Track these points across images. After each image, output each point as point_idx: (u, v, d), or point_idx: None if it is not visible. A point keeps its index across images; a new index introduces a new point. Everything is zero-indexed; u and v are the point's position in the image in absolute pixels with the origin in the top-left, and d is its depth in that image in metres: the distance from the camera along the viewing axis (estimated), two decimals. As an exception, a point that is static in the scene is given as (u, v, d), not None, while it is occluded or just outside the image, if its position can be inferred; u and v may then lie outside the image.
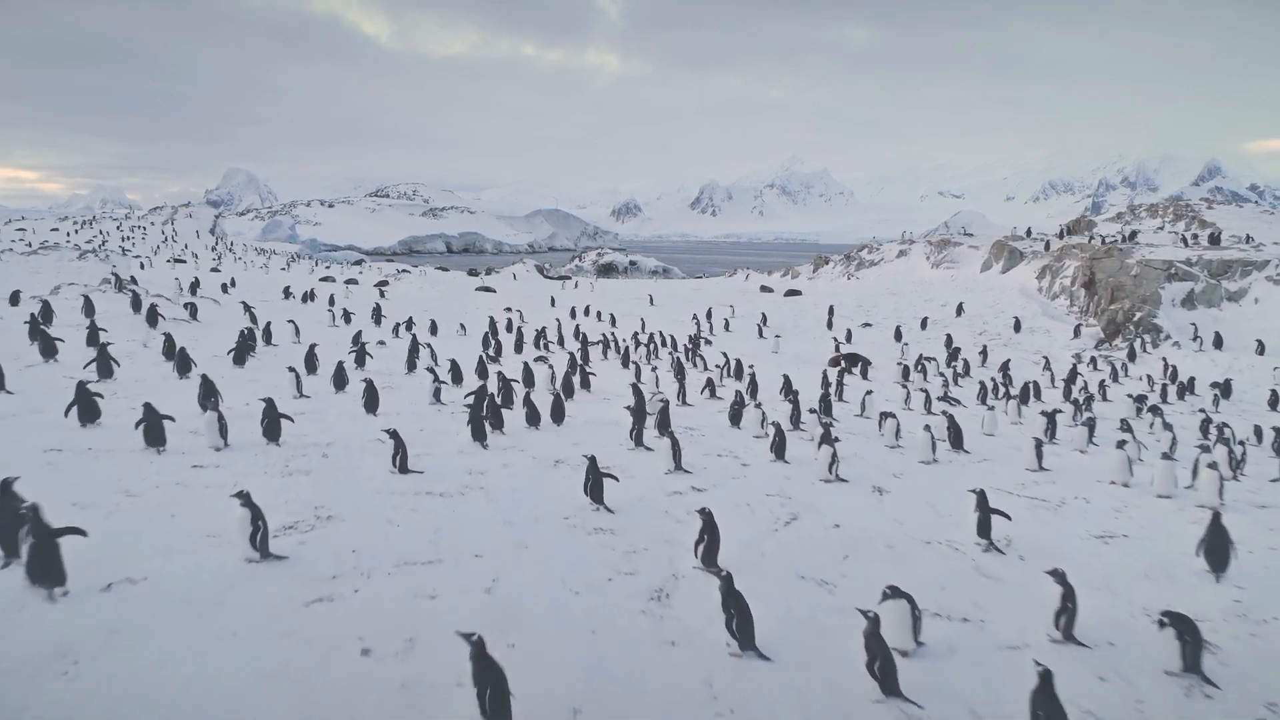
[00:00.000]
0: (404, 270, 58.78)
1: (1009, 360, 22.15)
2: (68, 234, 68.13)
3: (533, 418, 12.30)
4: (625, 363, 19.31)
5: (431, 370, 13.86)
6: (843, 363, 20.96)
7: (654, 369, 16.84)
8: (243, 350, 15.29)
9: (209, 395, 11.00)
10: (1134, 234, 32.72)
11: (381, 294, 33.70)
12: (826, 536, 8.32)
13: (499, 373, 14.68)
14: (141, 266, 46.07)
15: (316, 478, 8.75)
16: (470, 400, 12.23)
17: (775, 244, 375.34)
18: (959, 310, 29.45)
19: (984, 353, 23.62)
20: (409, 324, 23.42)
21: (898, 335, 25.42)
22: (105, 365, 12.76)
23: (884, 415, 13.32)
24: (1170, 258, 26.89)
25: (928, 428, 11.90)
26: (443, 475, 9.35)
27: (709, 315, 28.96)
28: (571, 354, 19.06)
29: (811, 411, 13.13)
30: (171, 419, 9.47)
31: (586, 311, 29.87)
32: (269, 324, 18.74)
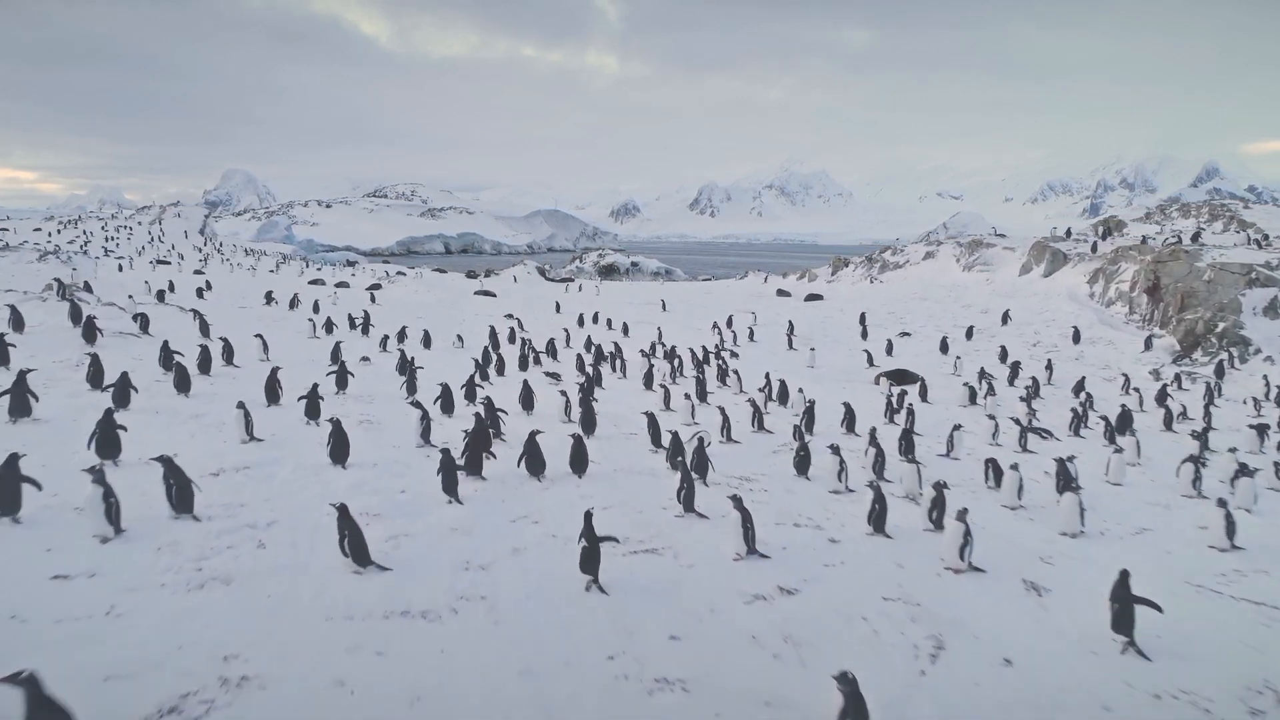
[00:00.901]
0: (400, 273, 56.02)
1: (1084, 378, 19.42)
2: (49, 234, 65.22)
3: (535, 464, 9.57)
4: (648, 384, 16.54)
5: (417, 404, 11.12)
6: (893, 382, 18.26)
7: (687, 396, 14.06)
8: (183, 377, 12.40)
9: (106, 449, 8.18)
10: (1197, 235, 30.02)
11: (372, 299, 30.92)
12: (1000, 684, 5.57)
13: (485, 402, 11.86)
14: (120, 269, 43.38)
15: (239, 592, 5.92)
16: (468, 442, 9.49)
17: (774, 245, 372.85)
18: (1005, 318, 26.75)
19: (1049, 368, 20.88)
20: (401, 335, 20.63)
21: (944, 347, 22.70)
22: (20, 401, 9.95)
23: (990, 463, 10.62)
24: (1247, 260, 24.21)
25: (1075, 486, 9.13)
26: (426, 572, 6.58)
27: (730, 323, 26.25)
28: (587, 375, 16.29)
29: (910, 461, 10.29)
30: (36, 484, 6.73)
31: (595, 319, 27.14)
32: (226, 341, 15.70)
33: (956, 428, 12.48)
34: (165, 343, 14.28)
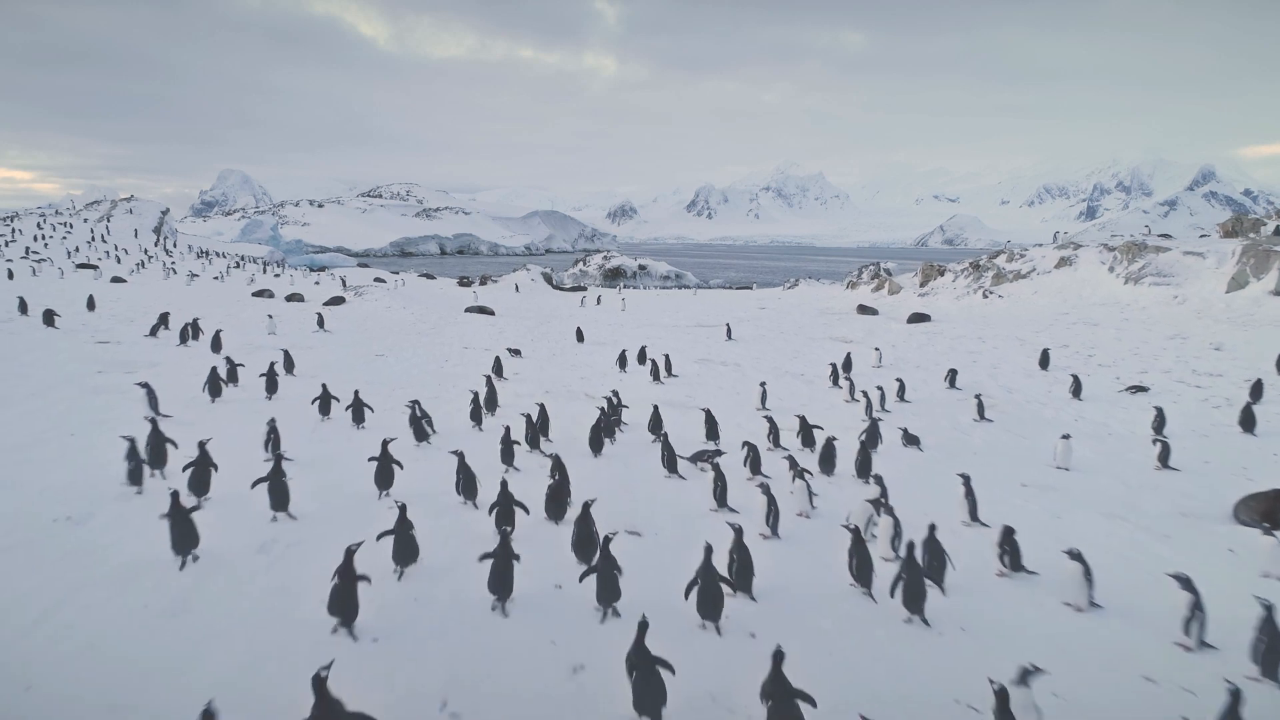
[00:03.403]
0: (378, 279, 47.02)
1: None
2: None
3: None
4: (861, 574, 7.44)
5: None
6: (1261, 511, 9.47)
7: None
8: None
9: None
10: None
11: (320, 323, 21.97)
12: None
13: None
14: (34, 272, 34.62)
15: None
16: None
17: (771, 247, 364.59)
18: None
19: None
20: (323, 404, 11.73)
21: (1249, 421, 13.25)
22: None
23: None
24: None
25: None
26: None
27: (848, 365, 17.43)
28: (736, 535, 7.02)
29: None
30: None
31: (642, 358, 18.21)
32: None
33: None
34: None
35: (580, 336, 21.71)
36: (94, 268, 40.52)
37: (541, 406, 11.49)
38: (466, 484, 8.17)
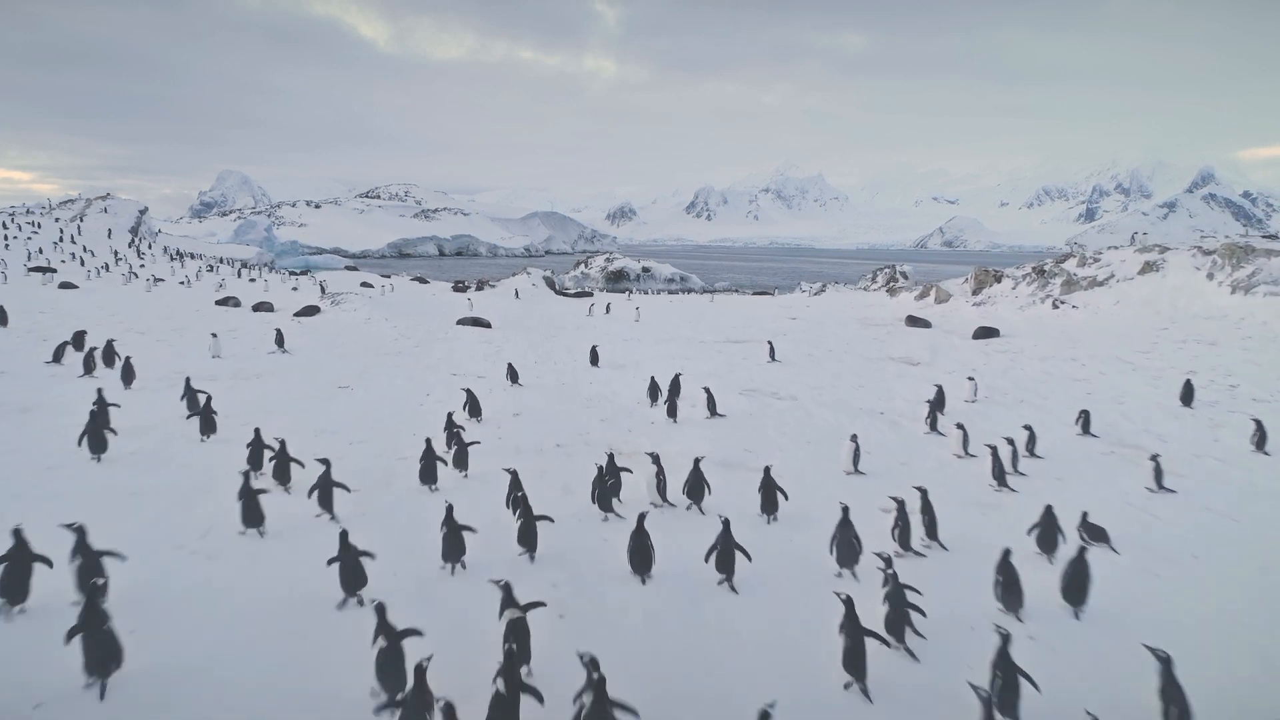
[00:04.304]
0: (364, 284, 43.22)
1: None
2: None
3: None
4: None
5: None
6: None
7: None
8: None
9: None
10: None
11: (279, 342, 18.11)
12: None
13: None
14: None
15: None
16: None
17: (770, 249, 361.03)
18: None
19: None
20: (253, 454, 8.15)
21: None
22: None
23: None
24: None
25: None
26: None
27: (941, 401, 13.62)
28: None
29: None
30: None
31: (677, 388, 14.38)
32: None
33: None
34: None
35: (595, 359, 17.89)
36: (51, 271, 36.70)
37: (513, 480, 7.86)
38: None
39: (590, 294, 44.24)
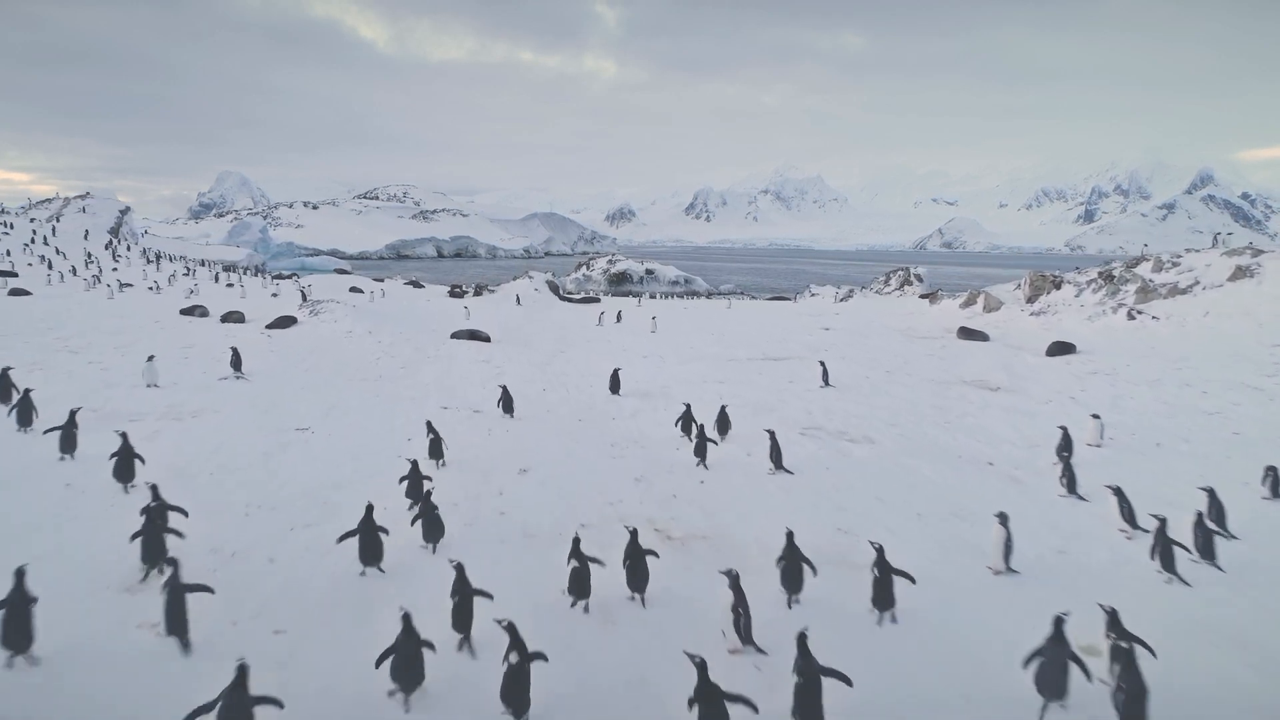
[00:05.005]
0: (353, 289, 40.17)
1: None
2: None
3: None
4: None
5: None
6: None
7: None
8: None
9: None
10: None
11: (235, 363, 15.00)
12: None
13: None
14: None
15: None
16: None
17: (770, 250, 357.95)
18: None
19: None
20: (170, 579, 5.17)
21: None
22: None
23: None
24: None
25: None
26: None
27: (1068, 445, 10.56)
28: None
29: None
30: None
31: (724, 425, 11.26)
32: None
33: None
34: None
35: (616, 385, 14.81)
36: (12, 275, 33.66)
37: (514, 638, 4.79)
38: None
39: (598, 299, 41.20)
